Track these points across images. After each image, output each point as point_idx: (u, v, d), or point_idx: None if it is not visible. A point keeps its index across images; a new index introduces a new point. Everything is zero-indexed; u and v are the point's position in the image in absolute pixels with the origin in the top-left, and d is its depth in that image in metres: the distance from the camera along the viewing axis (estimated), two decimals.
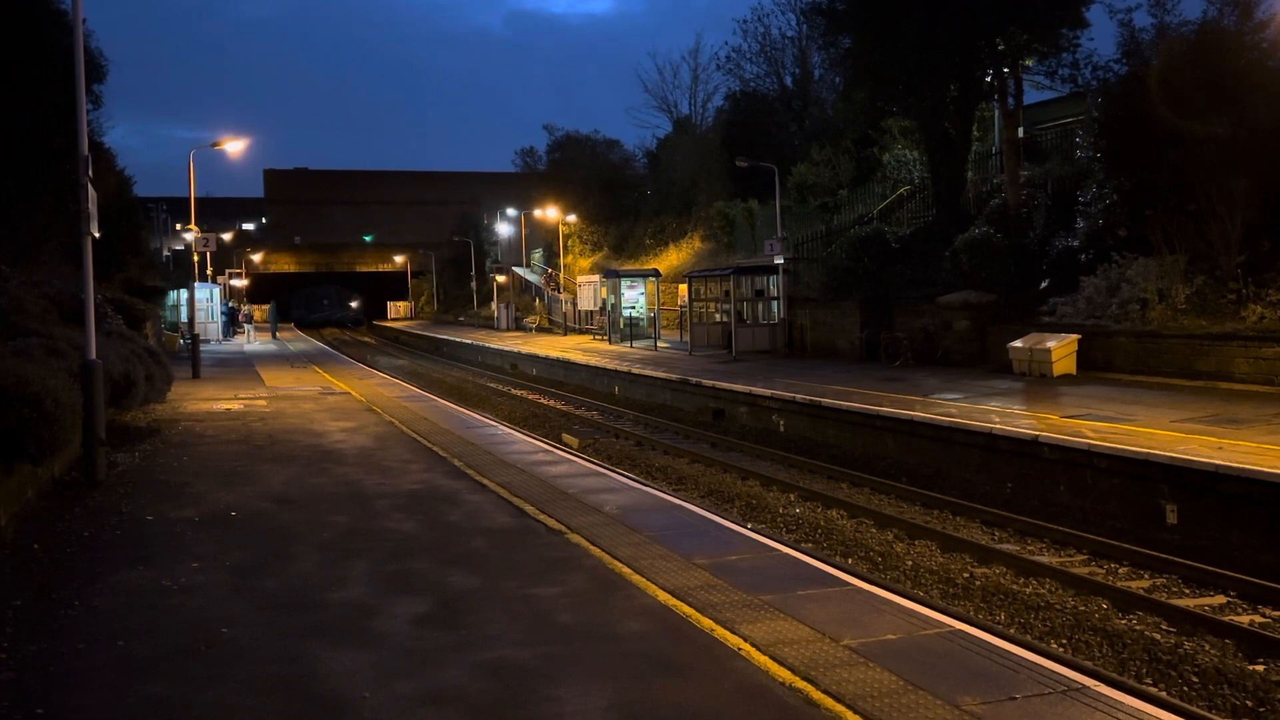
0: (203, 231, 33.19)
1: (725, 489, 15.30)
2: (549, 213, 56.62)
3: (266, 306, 67.45)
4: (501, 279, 66.35)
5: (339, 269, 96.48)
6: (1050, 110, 30.09)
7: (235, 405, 19.79)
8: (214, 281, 54.66)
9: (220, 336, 48.45)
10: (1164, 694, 7.61)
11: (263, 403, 20.33)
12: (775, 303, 30.89)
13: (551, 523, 9.38)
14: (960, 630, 6.43)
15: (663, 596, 7.06)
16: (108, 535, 9.10)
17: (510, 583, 7.48)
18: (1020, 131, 26.86)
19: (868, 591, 7.25)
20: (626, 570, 7.73)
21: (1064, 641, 8.83)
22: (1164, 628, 9.05)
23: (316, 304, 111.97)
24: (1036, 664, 5.84)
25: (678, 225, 50.52)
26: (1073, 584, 10.19)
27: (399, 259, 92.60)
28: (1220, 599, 9.74)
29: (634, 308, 39.06)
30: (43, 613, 6.90)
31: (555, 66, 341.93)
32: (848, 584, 7.45)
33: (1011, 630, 9.01)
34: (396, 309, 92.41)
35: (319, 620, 6.72)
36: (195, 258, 37.65)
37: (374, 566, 8.01)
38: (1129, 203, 20.65)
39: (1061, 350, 19.71)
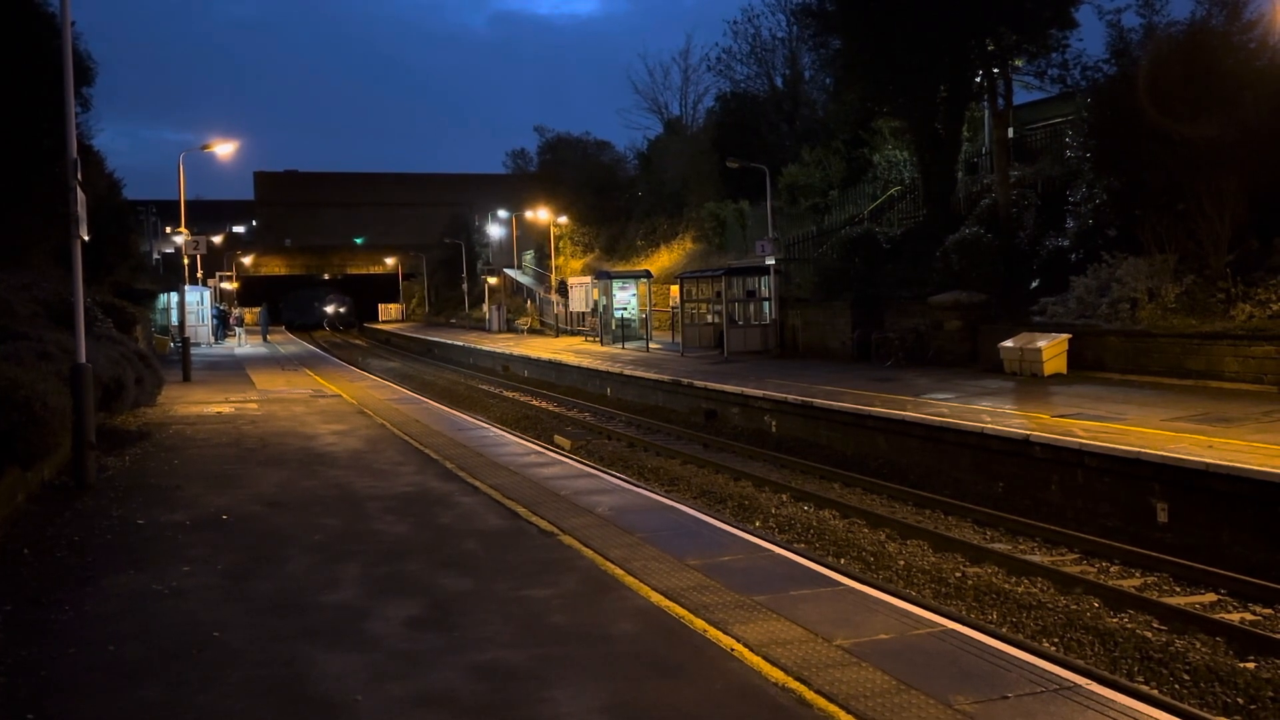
0: (193, 234, 33.07)
1: (718, 490, 15.30)
2: (540, 214, 56.58)
3: (257, 309, 67.27)
4: (493, 281, 66.30)
5: (330, 271, 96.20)
6: (1040, 110, 30.17)
7: (226, 408, 19.74)
8: (204, 284, 54.48)
9: (211, 339, 48.31)
10: (1156, 692, 7.63)
11: (254, 406, 20.28)
12: (767, 303, 30.92)
13: (544, 524, 9.38)
14: (952, 629, 6.45)
15: (655, 598, 7.06)
16: (98, 539, 9.07)
17: (502, 584, 7.48)
18: (1010, 132, 26.97)
19: (860, 591, 7.26)
20: (619, 571, 7.73)
21: (1056, 640, 8.85)
22: (1155, 626, 9.08)
23: (307, 306, 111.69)
24: (1028, 663, 5.85)
25: (669, 226, 50.53)
26: (1064, 583, 10.22)
27: (390, 261, 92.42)
28: (1211, 597, 9.77)
29: (626, 309, 39.05)
30: (33, 617, 6.87)
31: (543, 68, 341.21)
32: (840, 584, 7.46)
33: (1004, 629, 9.03)
34: (388, 311, 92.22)
35: (311, 623, 6.71)
36: (185, 261, 37.59)
37: (366, 569, 8.00)
38: (1118, 202, 20.72)
39: (1052, 350, 19.76)
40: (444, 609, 6.94)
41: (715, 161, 41.98)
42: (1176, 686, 7.85)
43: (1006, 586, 10.29)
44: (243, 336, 54.40)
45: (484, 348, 43.66)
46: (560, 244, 58.77)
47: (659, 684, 5.54)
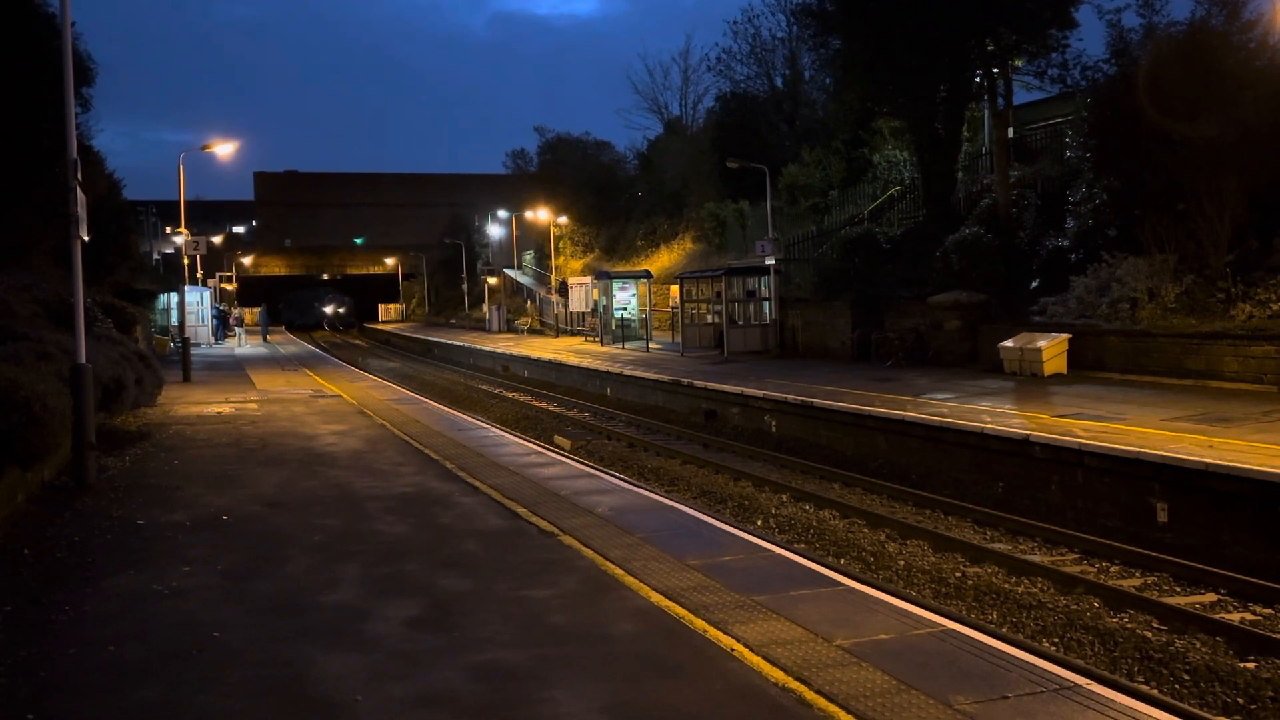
0: (193, 234, 33.08)
1: (718, 490, 15.30)
2: (540, 214, 56.58)
3: (257, 310, 67.29)
4: (493, 281, 66.30)
5: (330, 271, 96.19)
6: (1040, 110, 30.18)
7: (226, 409, 19.74)
8: (204, 284, 54.46)
9: (211, 340, 48.29)
10: (1156, 692, 7.63)
11: (253, 406, 20.28)
12: (767, 303, 30.91)
13: (544, 525, 9.38)
14: (953, 629, 6.45)
15: (655, 598, 7.06)
16: (98, 539, 9.07)
17: (502, 585, 7.47)
18: (1010, 132, 26.96)
19: (860, 591, 7.26)
20: (619, 572, 7.73)
21: (1056, 640, 8.85)
22: (1155, 626, 9.07)
23: (307, 307, 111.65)
24: (1029, 663, 5.85)
25: (669, 226, 50.53)
26: (1064, 583, 10.22)
27: (390, 261, 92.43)
28: (1211, 597, 9.78)
29: (626, 309, 39.07)
30: (33, 618, 6.87)
31: (542, 68, 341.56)
32: (840, 584, 7.46)
33: (1004, 629, 9.03)
34: (388, 311, 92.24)
35: (311, 623, 6.71)
36: (185, 261, 37.58)
37: (366, 569, 8.00)
38: (1118, 202, 20.72)
39: (1052, 350, 19.76)
40: (444, 609, 6.94)
41: (715, 161, 41.98)
42: (1176, 686, 7.85)
43: (1006, 586, 10.29)
44: (242, 337, 54.38)
45: (484, 348, 43.66)
46: (560, 244, 58.77)
47: (659, 684, 5.54)
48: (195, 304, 43.90)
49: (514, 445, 15.08)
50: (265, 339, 56.03)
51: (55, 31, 16.13)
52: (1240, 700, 7.57)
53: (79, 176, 11.70)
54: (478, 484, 11.51)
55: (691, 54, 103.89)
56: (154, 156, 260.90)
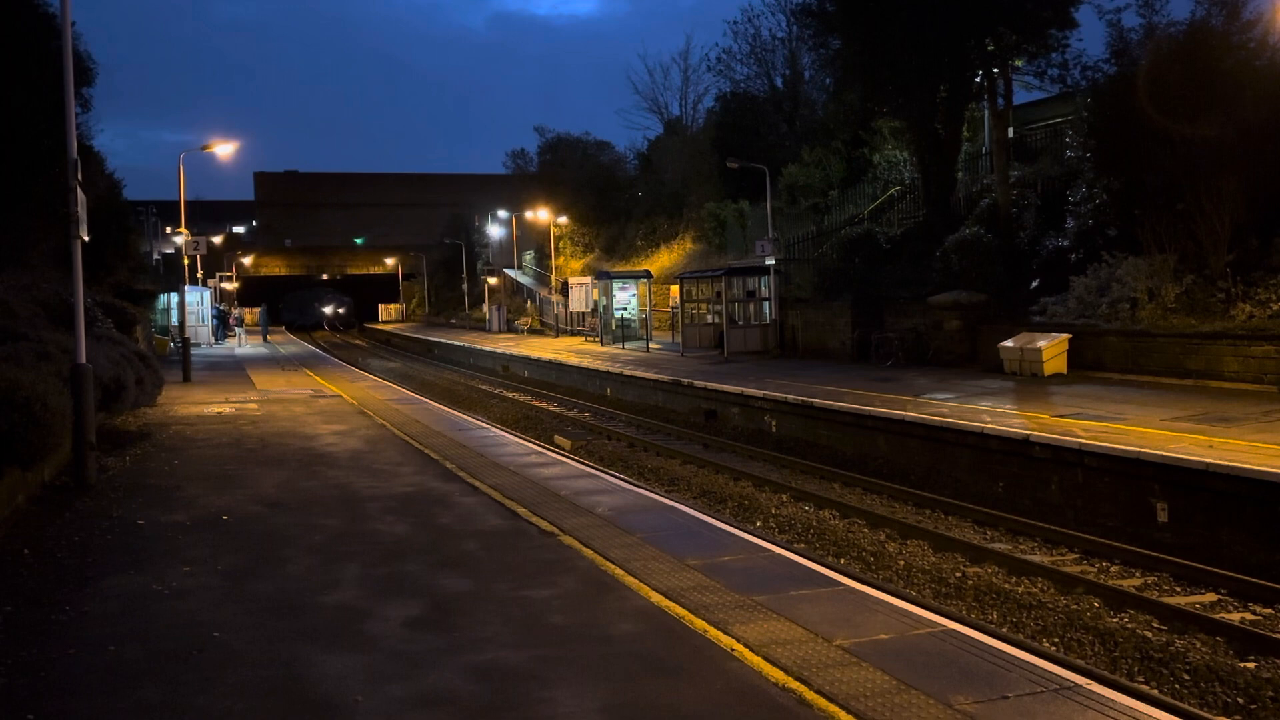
0: (193, 235, 33.06)
1: (718, 490, 15.30)
2: (540, 214, 56.59)
3: (257, 310, 67.25)
4: (493, 281, 66.31)
5: (330, 272, 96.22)
6: (1040, 110, 30.19)
7: (226, 409, 19.74)
8: (204, 285, 54.42)
9: (211, 340, 48.31)
10: (1156, 692, 7.63)
11: (254, 406, 20.28)
12: (767, 304, 30.91)
13: (544, 525, 9.37)
14: (953, 630, 6.44)
15: (655, 598, 7.06)
16: (98, 540, 9.07)
17: (502, 585, 7.47)
18: (1010, 132, 26.96)
19: (860, 591, 7.26)
20: (619, 572, 7.73)
21: (1056, 640, 8.85)
22: (1155, 626, 9.08)
23: (307, 307, 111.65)
24: (1029, 663, 5.85)
25: (669, 226, 50.52)
26: (1064, 583, 10.22)
27: (390, 261, 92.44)
28: (1211, 597, 9.78)
29: (626, 309, 39.06)
30: (33, 618, 6.87)
31: (542, 68, 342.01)
32: (840, 584, 7.46)
33: (1004, 629, 9.03)
34: (388, 311, 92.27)
35: (311, 624, 6.71)
36: (185, 261, 37.59)
37: (366, 569, 8.00)
38: (1118, 202, 20.72)
39: (1052, 350, 19.76)
40: (444, 609, 6.94)
41: (715, 162, 41.99)
42: (1176, 686, 7.85)
43: (1006, 586, 10.29)
44: (243, 337, 54.40)
45: (484, 348, 43.66)
46: (560, 244, 58.76)
47: (659, 684, 5.54)
48: (195, 304, 43.88)
49: (514, 445, 15.08)
50: (265, 339, 56.04)
51: (55, 32, 16.13)
52: (1240, 700, 7.57)
53: (79, 177, 11.70)
54: (478, 484, 11.51)
55: (691, 54, 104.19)
56: (154, 156, 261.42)
